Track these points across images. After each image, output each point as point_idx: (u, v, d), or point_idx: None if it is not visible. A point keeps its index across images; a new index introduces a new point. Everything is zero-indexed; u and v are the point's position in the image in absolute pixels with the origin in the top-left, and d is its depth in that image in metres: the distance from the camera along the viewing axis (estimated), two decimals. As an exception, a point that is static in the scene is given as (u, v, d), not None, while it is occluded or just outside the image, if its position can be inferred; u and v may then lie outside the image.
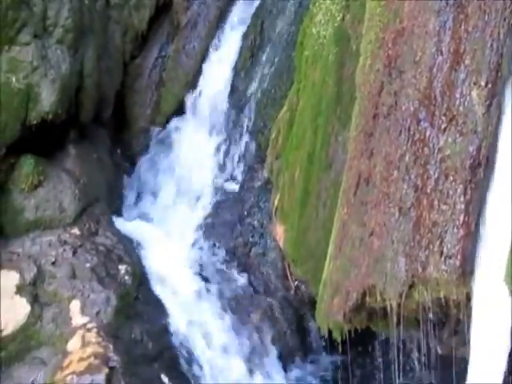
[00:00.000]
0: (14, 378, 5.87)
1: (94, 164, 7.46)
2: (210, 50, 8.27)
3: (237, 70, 7.99)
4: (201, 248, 7.32)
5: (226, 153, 7.77)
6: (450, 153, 4.08)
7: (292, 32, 7.35)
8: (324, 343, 6.55)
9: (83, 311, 6.15)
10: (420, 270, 4.10)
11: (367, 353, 6.18)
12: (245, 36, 8.04)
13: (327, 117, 5.72)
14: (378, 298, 4.32)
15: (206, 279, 6.96)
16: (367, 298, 4.41)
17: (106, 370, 5.66)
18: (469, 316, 4.14)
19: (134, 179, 8.13)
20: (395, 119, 4.34)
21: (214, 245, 7.31)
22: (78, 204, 6.91)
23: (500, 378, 3.99)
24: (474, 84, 4.06)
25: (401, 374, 4.97)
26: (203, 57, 8.24)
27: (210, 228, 7.43)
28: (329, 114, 5.70)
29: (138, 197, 7.99)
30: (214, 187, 7.69)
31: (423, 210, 4.12)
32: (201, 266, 7.10)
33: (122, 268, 6.55)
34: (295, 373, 6.58)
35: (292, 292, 6.94)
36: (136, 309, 6.39)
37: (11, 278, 6.26)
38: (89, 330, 6.00)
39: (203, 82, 8.16)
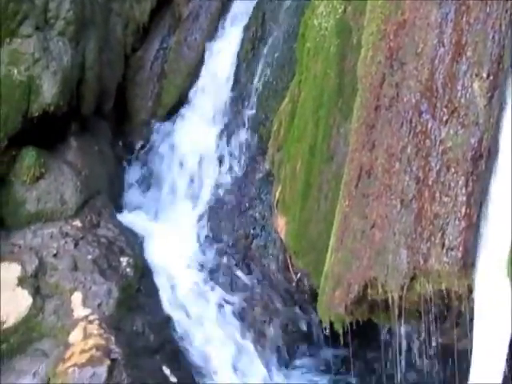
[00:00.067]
0: (16, 369, 5.88)
1: (96, 156, 7.46)
2: (212, 41, 8.27)
3: (238, 62, 7.98)
4: (202, 240, 7.32)
5: (228, 144, 7.77)
6: (451, 145, 4.07)
7: (293, 24, 7.33)
8: (325, 336, 6.56)
9: (85, 303, 6.16)
10: (422, 262, 4.10)
11: (369, 345, 6.19)
12: (246, 28, 8.03)
13: (329, 109, 5.71)
14: (380, 290, 4.31)
15: (206, 271, 6.96)
16: (369, 291, 4.40)
17: (108, 362, 5.67)
18: (470, 308, 4.14)
19: (136, 171, 8.13)
20: (397, 111, 4.33)
21: (215, 237, 7.31)
22: (79, 196, 6.91)
23: (500, 378, 3.99)
24: (476, 76, 4.05)
25: (403, 365, 4.98)
26: (205, 49, 8.24)
27: (211, 220, 7.44)
28: (330, 105, 5.70)
29: (140, 189, 7.99)
30: (215, 179, 7.69)
31: (425, 202, 4.12)
32: (202, 257, 7.10)
33: (124, 260, 6.56)
34: (297, 365, 6.58)
35: (293, 284, 6.95)
36: (138, 301, 6.40)
37: (13, 270, 6.27)
38: (90, 322, 6.01)
39: (205, 74, 8.16)
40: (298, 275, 6.86)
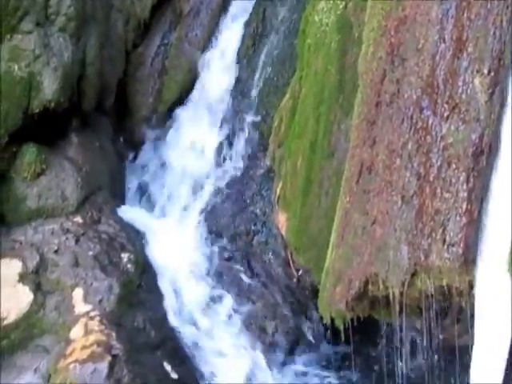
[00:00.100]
0: (17, 366, 5.88)
1: (97, 152, 7.46)
2: (213, 37, 8.26)
3: (239, 58, 7.98)
4: (203, 236, 7.32)
5: (229, 141, 7.76)
6: (452, 141, 4.07)
7: (294, 20, 7.33)
8: (326, 332, 6.56)
9: (86, 299, 6.16)
10: (422, 258, 4.10)
11: (370, 341, 6.19)
12: (247, 24, 8.02)
13: (329, 105, 5.71)
14: (381, 286, 4.32)
15: (207, 267, 6.96)
16: (370, 287, 4.41)
17: (109, 358, 5.67)
18: (471, 304, 4.14)
19: (137, 167, 8.12)
20: (398, 107, 4.33)
21: (217, 233, 7.31)
22: (80, 192, 6.91)
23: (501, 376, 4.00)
24: (477, 72, 4.05)
25: (404, 361, 4.98)
26: (206, 44, 8.23)
27: (213, 216, 7.43)
28: (331, 102, 5.70)
29: (141, 185, 7.99)
30: (216, 175, 7.68)
31: (426, 198, 4.12)
32: (202, 254, 7.10)
33: (125, 256, 6.56)
34: (297, 361, 6.58)
35: (294, 280, 6.95)
36: (139, 297, 6.40)
37: (14, 266, 6.27)
38: (91, 318, 6.01)
39: (206, 70, 8.15)
40: (300, 272, 6.86)
